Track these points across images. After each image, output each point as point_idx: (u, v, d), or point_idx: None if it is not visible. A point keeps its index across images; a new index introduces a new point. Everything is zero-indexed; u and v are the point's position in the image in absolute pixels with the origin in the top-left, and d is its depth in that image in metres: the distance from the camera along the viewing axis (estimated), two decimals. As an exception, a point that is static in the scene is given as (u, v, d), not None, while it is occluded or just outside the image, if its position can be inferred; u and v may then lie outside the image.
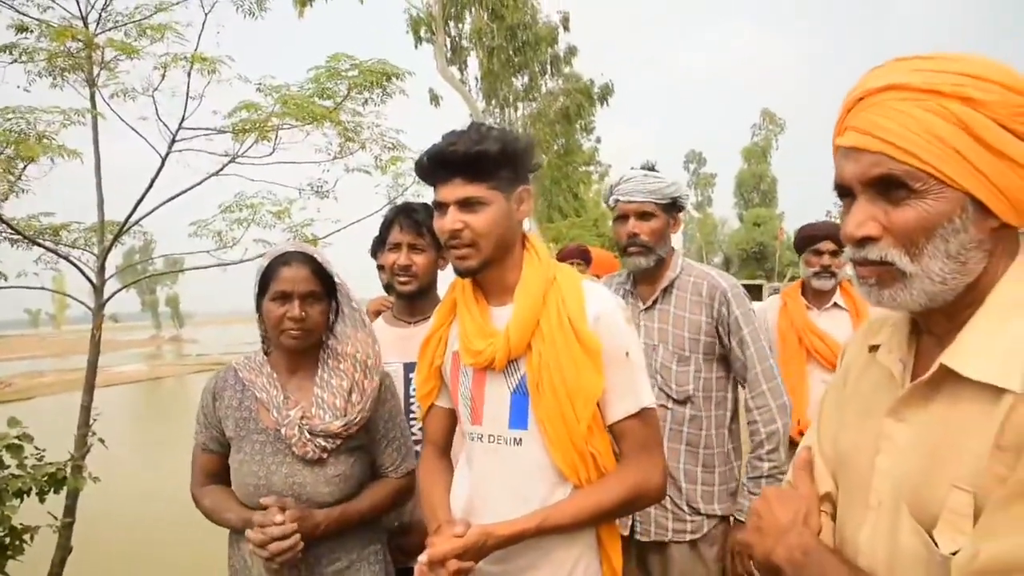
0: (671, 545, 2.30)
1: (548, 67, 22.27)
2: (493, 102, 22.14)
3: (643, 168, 2.40)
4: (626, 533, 2.28)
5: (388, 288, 2.99)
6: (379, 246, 2.99)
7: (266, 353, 1.98)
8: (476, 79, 22.07)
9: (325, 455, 1.84)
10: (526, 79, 22.28)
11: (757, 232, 44.91)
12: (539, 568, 1.57)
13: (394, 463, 1.98)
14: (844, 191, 0.95)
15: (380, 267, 2.98)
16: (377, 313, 2.61)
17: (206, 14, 4.77)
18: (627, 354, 1.57)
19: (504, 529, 1.49)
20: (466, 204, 1.53)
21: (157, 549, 7.49)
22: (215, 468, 1.95)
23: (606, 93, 22.62)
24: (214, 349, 42.66)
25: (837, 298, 3.41)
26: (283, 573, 1.78)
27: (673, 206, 2.38)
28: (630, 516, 2.30)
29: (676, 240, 2.51)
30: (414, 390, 1.87)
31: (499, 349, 1.56)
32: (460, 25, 21.34)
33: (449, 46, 20.83)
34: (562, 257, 4.66)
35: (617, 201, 2.38)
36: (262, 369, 1.93)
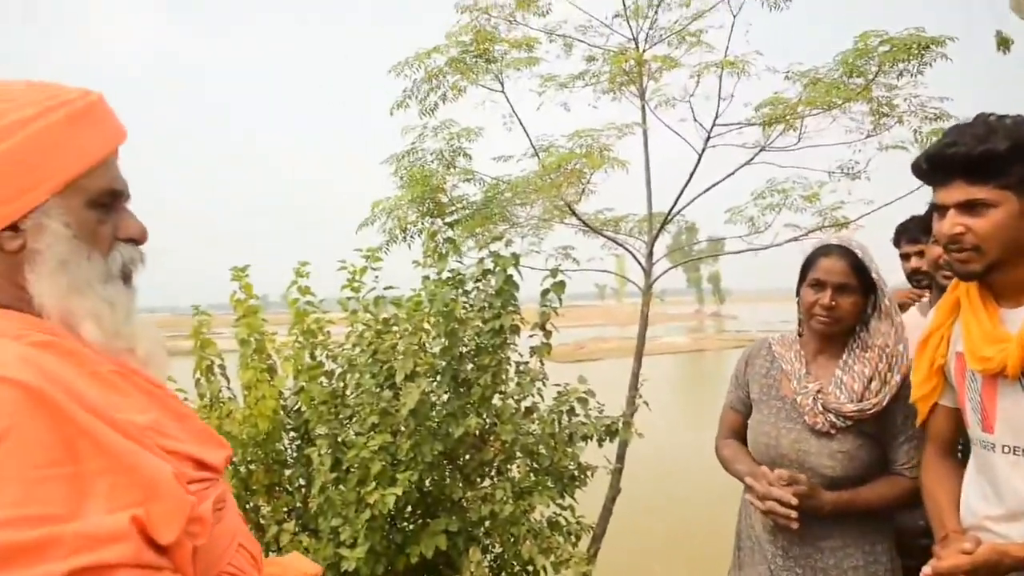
0: None
1: None
2: (1097, 35, 17.36)
3: None
4: None
5: (910, 277, 2.84)
6: (901, 235, 2.86)
7: (799, 333, 2.14)
8: (1070, 9, 17.64)
9: (834, 431, 1.92)
10: None
11: None
12: None
13: (909, 460, 1.91)
14: None
15: (903, 256, 2.85)
16: (901, 307, 2.52)
17: (734, 16, 5.09)
18: None
19: (1022, 551, 1.37)
20: (968, 207, 1.43)
21: (690, 504, 8.36)
22: (737, 426, 2.20)
23: None
24: (751, 326, 43.99)
25: None
26: (778, 533, 1.95)
27: None
28: None
29: None
30: None
31: (1012, 356, 1.42)
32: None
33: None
34: None
35: None
36: (792, 345, 2.11)
